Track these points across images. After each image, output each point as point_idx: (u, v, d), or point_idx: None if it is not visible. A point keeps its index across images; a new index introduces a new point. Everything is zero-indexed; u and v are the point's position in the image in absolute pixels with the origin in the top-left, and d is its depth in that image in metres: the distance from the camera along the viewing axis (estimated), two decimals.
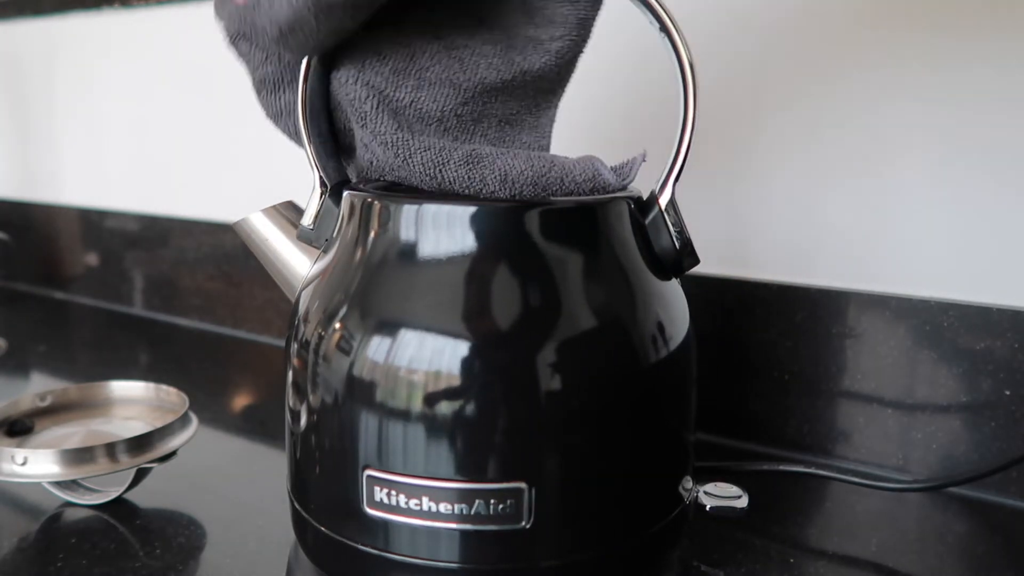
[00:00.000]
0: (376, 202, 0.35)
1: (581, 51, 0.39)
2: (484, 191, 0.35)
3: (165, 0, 0.82)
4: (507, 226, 0.34)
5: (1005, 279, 0.47)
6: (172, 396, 0.51)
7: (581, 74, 0.61)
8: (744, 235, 0.55)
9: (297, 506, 0.37)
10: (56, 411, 0.50)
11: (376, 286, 0.34)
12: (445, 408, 0.32)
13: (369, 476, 0.33)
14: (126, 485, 0.45)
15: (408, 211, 0.34)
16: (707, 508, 0.39)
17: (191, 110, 0.83)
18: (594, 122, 0.60)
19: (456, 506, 0.32)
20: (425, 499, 0.32)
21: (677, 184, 0.36)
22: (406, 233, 0.34)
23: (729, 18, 0.53)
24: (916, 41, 0.48)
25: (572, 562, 0.34)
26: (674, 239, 0.36)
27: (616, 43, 0.57)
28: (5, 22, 0.97)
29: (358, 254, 0.35)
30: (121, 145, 0.90)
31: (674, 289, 0.37)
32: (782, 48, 0.52)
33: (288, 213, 0.41)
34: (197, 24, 0.80)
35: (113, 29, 0.87)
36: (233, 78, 0.79)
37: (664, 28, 0.35)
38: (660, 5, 0.35)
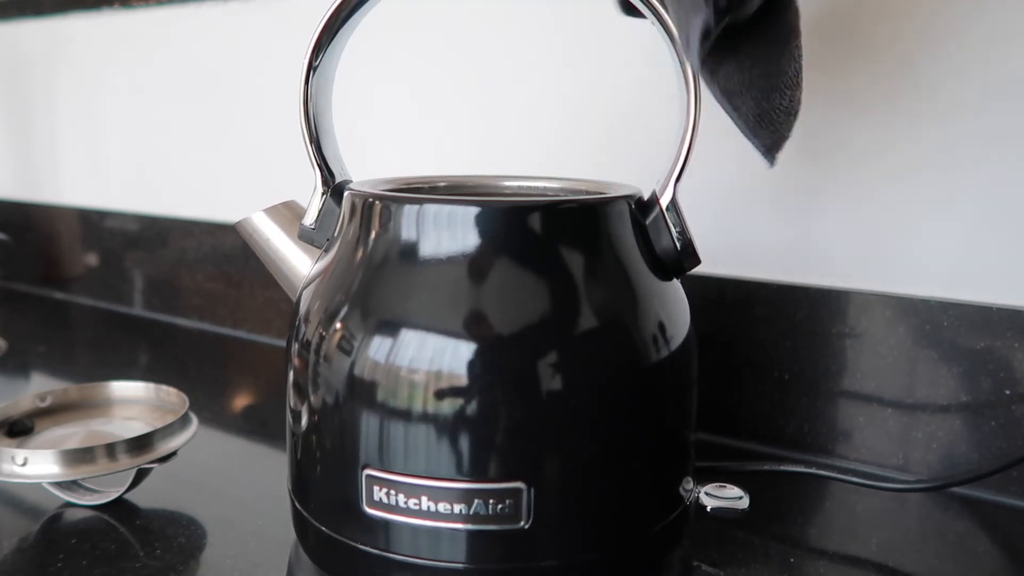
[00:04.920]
0: (377, 202, 0.35)
1: None
2: None
3: (166, 0, 0.82)
4: (508, 226, 0.33)
5: (1005, 279, 0.47)
6: (172, 396, 0.51)
7: (584, 74, 0.61)
8: (744, 235, 0.55)
9: (298, 506, 0.37)
10: (56, 411, 0.50)
11: (377, 286, 0.34)
12: (444, 408, 0.32)
13: (368, 476, 0.33)
14: (126, 485, 0.45)
15: (409, 211, 0.34)
16: (708, 509, 0.39)
17: (191, 110, 0.83)
18: (597, 121, 0.60)
19: (455, 506, 0.32)
20: (424, 499, 0.32)
21: (679, 184, 0.36)
22: (407, 233, 0.34)
23: None
24: (920, 50, 0.48)
25: (572, 562, 0.34)
26: (675, 240, 0.36)
27: (620, 43, 0.57)
28: (5, 22, 0.97)
29: (359, 254, 0.35)
30: (121, 145, 0.90)
31: (675, 289, 0.37)
32: None
33: (290, 213, 0.41)
34: (198, 24, 0.80)
35: (113, 29, 0.87)
36: (233, 78, 0.79)
37: (667, 30, 0.35)
38: (663, 8, 0.35)
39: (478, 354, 0.32)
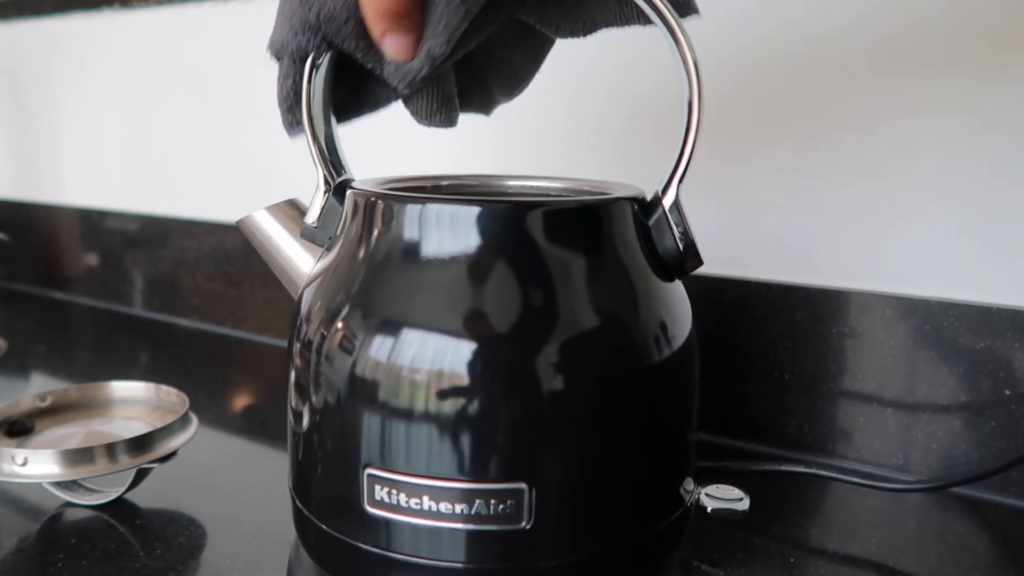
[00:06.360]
0: (379, 201, 0.35)
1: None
2: None
3: (165, 0, 0.82)
4: (510, 226, 0.33)
5: (1005, 279, 0.47)
6: (172, 396, 0.51)
7: (587, 72, 0.61)
8: (745, 235, 0.55)
9: (299, 504, 0.37)
10: (56, 411, 0.50)
11: (379, 285, 0.34)
12: (446, 407, 0.32)
13: (370, 475, 0.33)
14: (126, 485, 0.45)
15: (411, 210, 0.34)
16: (708, 511, 0.39)
17: (191, 110, 0.83)
18: (600, 121, 0.60)
19: (456, 506, 0.32)
20: (425, 498, 0.32)
21: (681, 185, 0.36)
22: (409, 232, 0.34)
23: (736, 32, 0.53)
24: (917, 50, 0.48)
25: (573, 563, 0.34)
26: (678, 240, 0.36)
27: (622, 42, 0.57)
28: (5, 22, 0.97)
29: (361, 253, 0.35)
30: (121, 145, 0.90)
31: (677, 290, 0.37)
32: (784, 54, 0.52)
33: (292, 211, 0.41)
34: (197, 24, 0.80)
35: (113, 29, 0.87)
36: (233, 78, 0.79)
37: (669, 29, 0.35)
38: (665, 6, 0.35)
39: (480, 354, 0.32)
